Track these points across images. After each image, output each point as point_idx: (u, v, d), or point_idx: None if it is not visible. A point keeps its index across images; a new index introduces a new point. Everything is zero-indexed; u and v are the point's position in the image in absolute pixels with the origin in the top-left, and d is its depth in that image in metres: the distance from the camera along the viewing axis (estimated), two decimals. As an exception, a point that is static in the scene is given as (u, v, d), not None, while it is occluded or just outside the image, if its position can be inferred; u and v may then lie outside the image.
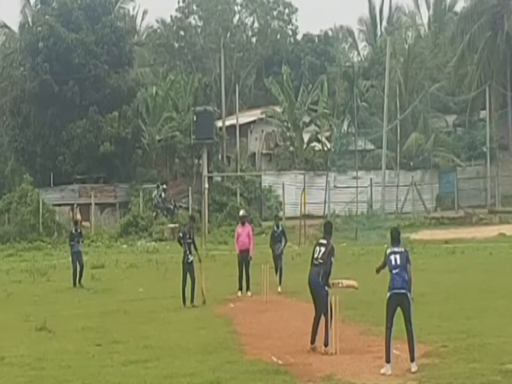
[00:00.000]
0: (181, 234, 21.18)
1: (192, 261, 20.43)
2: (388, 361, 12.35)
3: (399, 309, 12.54)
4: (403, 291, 12.45)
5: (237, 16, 74.86)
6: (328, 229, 15.15)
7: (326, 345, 14.16)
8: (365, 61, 68.62)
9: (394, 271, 12.55)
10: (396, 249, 12.81)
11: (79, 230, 26.59)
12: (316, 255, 14.73)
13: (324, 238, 15.05)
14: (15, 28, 56.14)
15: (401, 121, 50.20)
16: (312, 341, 14.42)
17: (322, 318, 14.36)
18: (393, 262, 12.65)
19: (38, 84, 47.83)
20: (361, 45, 77.07)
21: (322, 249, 14.76)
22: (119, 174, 49.25)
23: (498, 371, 12.00)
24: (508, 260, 27.97)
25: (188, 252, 20.44)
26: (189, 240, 20.51)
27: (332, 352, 13.88)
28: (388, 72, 43.08)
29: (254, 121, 56.84)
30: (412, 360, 12.43)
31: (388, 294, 12.56)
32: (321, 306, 14.39)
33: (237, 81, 64.12)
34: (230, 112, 56.19)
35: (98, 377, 12.61)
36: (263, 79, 63.18)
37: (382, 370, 12.30)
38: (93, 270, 28.28)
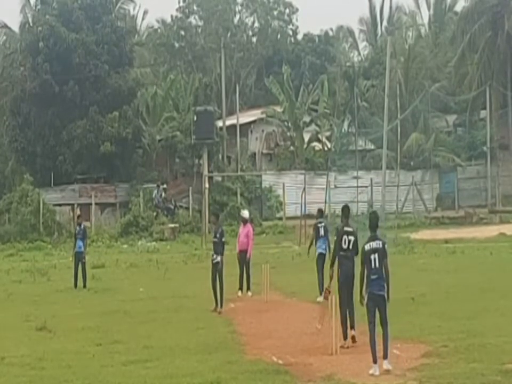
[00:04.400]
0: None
1: (218, 262, 19.49)
2: (375, 361, 12.35)
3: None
4: (380, 292, 12.45)
5: (237, 16, 74.90)
6: (346, 213, 15.03)
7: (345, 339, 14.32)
8: (365, 61, 68.60)
9: (372, 277, 12.46)
10: (375, 244, 12.54)
11: (82, 226, 25.66)
12: (345, 246, 14.66)
13: (347, 225, 14.90)
14: (15, 28, 56.36)
15: (401, 121, 50.15)
16: (345, 337, 14.46)
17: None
18: (372, 265, 12.45)
19: (38, 84, 47.84)
20: (362, 44, 77.25)
21: (352, 238, 14.70)
22: (120, 174, 49.24)
23: (499, 371, 12.00)
24: (508, 260, 27.94)
25: (213, 252, 19.83)
26: (215, 239, 19.79)
27: (332, 352, 13.89)
28: (388, 72, 42.94)
29: (254, 121, 56.84)
30: (385, 357, 12.40)
31: (366, 296, 12.53)
32: (350, 300, 14.50)
33: (237, 81, 64.13)
34: (231, 112, 56.21)
35: (98, 377, 12.62)
36: (263, 79, 63.16)
37: (370, 371, 12.30)
38: (93, 269, 28.25)
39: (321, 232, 20.51)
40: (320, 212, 21.62)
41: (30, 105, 48.88)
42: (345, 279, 14.61)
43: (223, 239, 19.89)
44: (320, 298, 18.74)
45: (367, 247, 12.59)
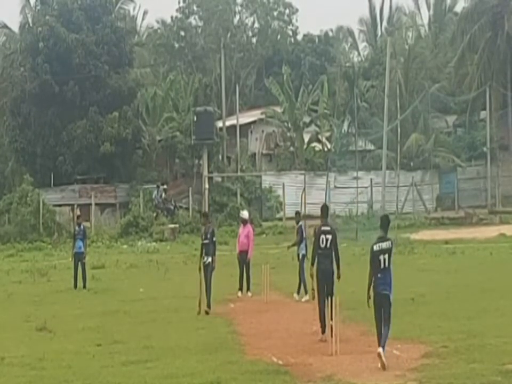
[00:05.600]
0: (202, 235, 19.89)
1: (208, 264, 19.16)
2: (380, 344, 12.62)
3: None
4: (384, 292, 12.73)
5: (237, 17, 74.99)
6: (325, 212, 15.47)
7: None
8: (365, 61, 68.63)
9: (379, 275, 12.73)
10: (384, 245, 12.78)
11: (82, 227, 25.66)
12: (323, 245, 14.95)
13: (325, 224, 15.24)
14: (15, 28, 56.35)
15: (401, 122, 50.11)
16: (323, 331, 14.72)
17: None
18: (381, 265, 12.72)
19: (38, 84, 47.85)
20: (362, 45, 77.29)
21: (329, 237, 14.90)
22: (120, 174, 49.25)
23: (499, 371, 11.99)
24: (508, 260, 27.98)
25: (203, 254, 19.33)
26: (205, 241, 19.32)
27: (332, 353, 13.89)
28: (388, 73, 42.97)
29: (254, 122, 56.85)
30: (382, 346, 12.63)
31: (373, 294, 12.82)
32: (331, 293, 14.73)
33: (237, 81, 64.13)
34: (230, 113, 56.20)
35: (98, 378, 12.61)
36: (263, 79, 63.21)
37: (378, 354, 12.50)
38: (93, 270, 28.25)
39: (304, 234, 21.02)
40: (299, 214, 22.25)
41: (30, 105, 48.89)
42: (323, 276, 14.97)
43: (214, 239, 19.56)
44: (296, 296, 20.49)
45: (376, 247, 12.82)
